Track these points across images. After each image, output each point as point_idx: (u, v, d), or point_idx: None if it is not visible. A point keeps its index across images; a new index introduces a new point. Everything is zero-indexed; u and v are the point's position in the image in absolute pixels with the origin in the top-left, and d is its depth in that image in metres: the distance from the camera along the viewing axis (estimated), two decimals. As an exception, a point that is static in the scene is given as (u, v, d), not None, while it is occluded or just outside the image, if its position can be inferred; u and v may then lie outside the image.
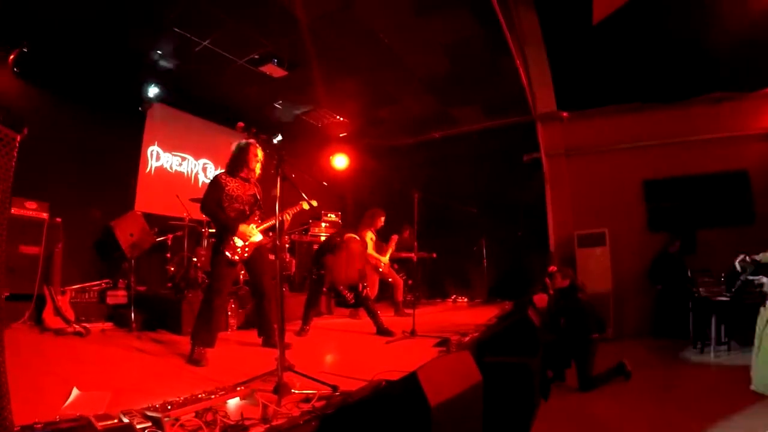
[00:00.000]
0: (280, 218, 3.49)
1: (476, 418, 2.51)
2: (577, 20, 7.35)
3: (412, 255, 6.77)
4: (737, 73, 8.25)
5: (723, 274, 7.09)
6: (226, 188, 4.37)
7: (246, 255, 4.36)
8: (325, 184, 4.93)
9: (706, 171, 8.72)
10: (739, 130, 8.54)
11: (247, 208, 4.46)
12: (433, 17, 6.82)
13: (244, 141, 4.50)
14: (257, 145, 4.46)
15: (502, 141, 10.45)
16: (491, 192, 10.29)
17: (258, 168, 4.55)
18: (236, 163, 4.48)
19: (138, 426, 2.01)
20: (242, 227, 4.26)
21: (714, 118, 8.71)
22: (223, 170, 4.56)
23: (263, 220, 4.52)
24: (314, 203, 4.54)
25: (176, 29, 6.53)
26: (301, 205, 4.51)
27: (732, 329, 6.77)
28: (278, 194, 3.29)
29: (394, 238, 7.89)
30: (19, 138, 1.84)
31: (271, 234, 4.59)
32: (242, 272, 6.10)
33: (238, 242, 4.27)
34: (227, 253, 4.22)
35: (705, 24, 7.44)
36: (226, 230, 4.27)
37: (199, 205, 4.55)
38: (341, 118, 10.25)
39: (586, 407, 5.09)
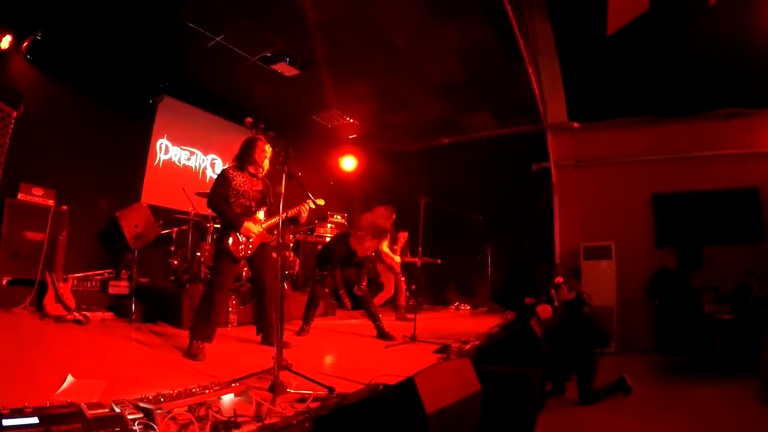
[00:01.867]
0: (284, 216, 3.45)
1: (473, 427, 2.47)
2: (590, 31, 7.31)
3: (416, 260, 6.73)
4: (750, 89, 8.19)
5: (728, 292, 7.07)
6: (233, 182, 4.33)
7: (249, 252, 4.31)
8: (331, 183, 4.87)
9: (716, 187, 8.67)
10: (751, 147, 8.48)
11: (253, 204, 4.41)
12: (448, 23, 6.80)
13: (252, 136, 4.45)
14: (265, 140, 4.40)
15: (512, 149, 10.42)
16: (498, 200, 10.24)
17: (266, 164, 4.52)
18: (243, 158, 4.45)
19: (129, 416, 1.98)
20: (247, 224, 4.22)
21: (725, 134, 8.66)
22: (231, 164, 4.52)
23: (269, 217, 4.47)
24: (321, 202, 4.49)
25: (189, 24, 6.53)
26: (307, 203, 4.43)
27: (736, 348, 6.67)
28: (283, 191, 3.25)
29: (403, 234, 7.83)
30: (15, 114, 1.83)
31: (275, 232, 4.51)
32: (245, 269, 6.08)
33: (242, 238, 4.23)
34: (230, 249, 4.19)
35: (719, 39, 7.40)
36: (231, 226, 4.23)
37: (205, 199, 4.48)
38: (351, 120, 10.23)
39: (585, 421, 5.04)
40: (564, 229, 9.58)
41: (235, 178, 4.35)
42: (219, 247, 4.29)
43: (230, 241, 4.20)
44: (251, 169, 4.47)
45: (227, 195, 4.30)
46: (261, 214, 4.42)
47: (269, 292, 4.43)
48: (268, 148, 4.46)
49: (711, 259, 8.50)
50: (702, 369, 6.80)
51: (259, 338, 4.60)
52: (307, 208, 4.44)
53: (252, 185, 4.45)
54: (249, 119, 3.80)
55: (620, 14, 6.86)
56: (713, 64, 7.90)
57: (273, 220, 4.42)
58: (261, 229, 4.35)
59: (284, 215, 3.42)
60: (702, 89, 8.41)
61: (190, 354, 3.90)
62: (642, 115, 9.17)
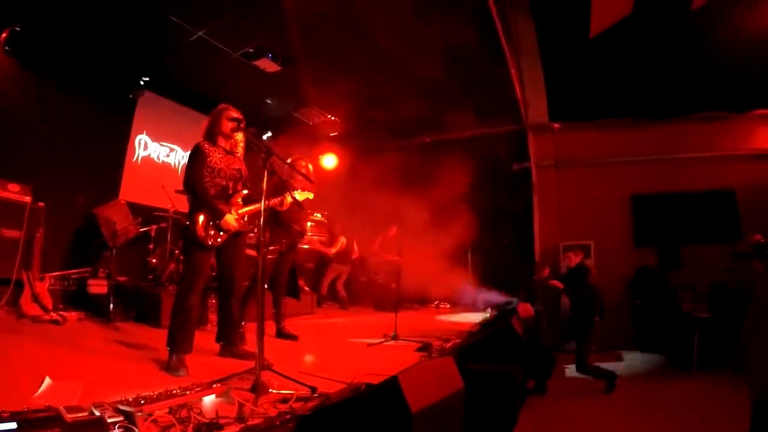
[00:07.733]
0: (266, 211, 3.32)
1: (457, 425, 2.48)
2: (573, 33, 7.38)
3: (397, 257, 6.71)
4: (729, 93, 8.35)
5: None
6: (209, 159, 3.79)
7: (219, 240, 3.75)
8: (312, 182, 4.73)
9: (694, 189, 8.84)
10: (729, 150, 8.67)
11: (230, 184, 3.89)
12: (431, 21, 6.80)
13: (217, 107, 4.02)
14: (231, 107, 3.96)
15: (493, 148, 10.46)
16: (479, 199, 10.26)
17: (239, 136, 3.96)
18: (212, 131, 3.93)
19: (109, 420, 1.95)
20: (228, 217, 3.72)
21: (704, 137, 8.84)
22: (202, 139, 3.96)
23: (246, 204, 3.96)
24: (309, 195, 4.40)
25: (171, 17, 6.44)
26: (291, 194, 4.12)
27: (713, 345, 6.79)
28: (264, 187, 3.19)
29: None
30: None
31: (255, 223, 3.94)
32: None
33: (215, 225, 3.71)
34: (199, 236, 3.65)
35: (699, 44, 7.51)
36: (208, 211, 3.70)
37: (185, 197, 3.98)
38: (333, 118, 10.18)
39: (566, 416, 5.10)
40: (543, 228, 9.68)
41: (210, 154, 3.81)
42: (187, 235, 3.74)
43: (200, 225, 3.65)
44: (224, 144, 3.94)
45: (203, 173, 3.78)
46: (238, 198, 3.92)
47: (237, 292, 4.02)
48: (236, 114, 3.93)
49: (689, 258, 8.65)
50: (680, 365, 6.94)
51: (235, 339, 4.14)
52: (290, 200, 4.22)
53: (228, 163, 3.90)
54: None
55: (603, 17, 6.94)
56: (693, 68, 8.03)
57: (249, 208, 3.94)
58: (235, 215, 3.82)
59: (265, 204, 3.27)
60: (682, 92, 8.55)
61: (171, 368, 3.39)
62: (622, 117, 9.29)
